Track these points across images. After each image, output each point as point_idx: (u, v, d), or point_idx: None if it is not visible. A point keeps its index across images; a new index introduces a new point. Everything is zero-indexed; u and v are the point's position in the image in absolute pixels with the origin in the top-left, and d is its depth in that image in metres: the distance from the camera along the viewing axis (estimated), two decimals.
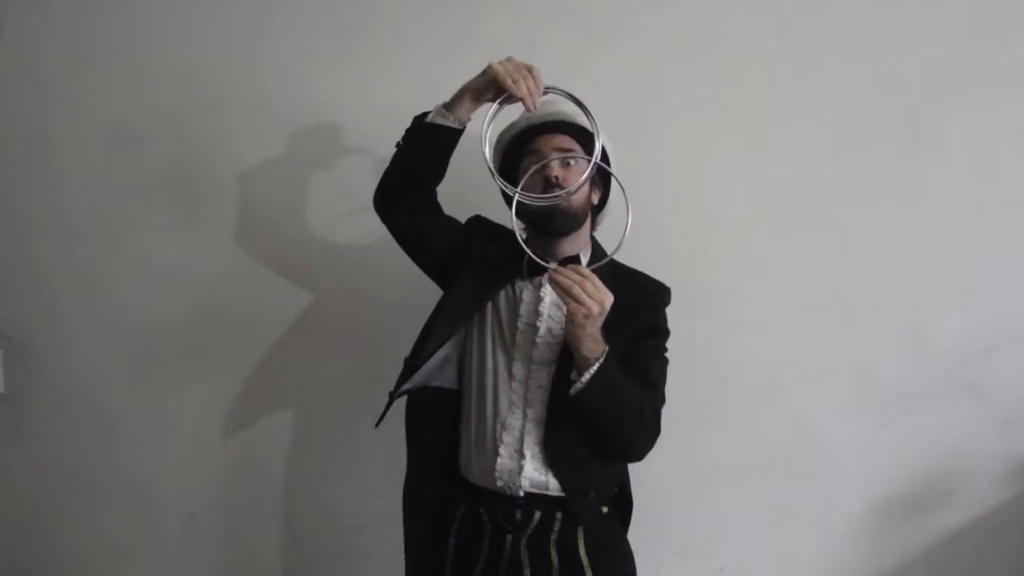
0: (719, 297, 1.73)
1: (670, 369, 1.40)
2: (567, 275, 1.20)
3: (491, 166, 1.29)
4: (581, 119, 1.34)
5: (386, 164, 1.40)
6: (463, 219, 1.48)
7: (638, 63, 1.75)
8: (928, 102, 1.72)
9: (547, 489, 1.34)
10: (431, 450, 1.44)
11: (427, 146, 1.34)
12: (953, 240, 1.72)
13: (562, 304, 1.26)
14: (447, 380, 1.43)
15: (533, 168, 1.34)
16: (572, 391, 1.24)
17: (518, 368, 1.36)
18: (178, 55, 1.83)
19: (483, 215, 1.51)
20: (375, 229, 1.47)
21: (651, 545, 1.54)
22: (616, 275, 1.35)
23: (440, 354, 1.39)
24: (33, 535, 1.92)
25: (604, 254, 1.41)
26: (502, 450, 1.34)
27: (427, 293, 1.47)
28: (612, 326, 1.24)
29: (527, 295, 1.38)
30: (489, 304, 1.40)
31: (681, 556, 1.78)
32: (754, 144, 1.74)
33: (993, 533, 1.74)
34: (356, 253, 1.79)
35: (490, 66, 1.27)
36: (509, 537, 1.34)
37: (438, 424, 1.43)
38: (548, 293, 1.36)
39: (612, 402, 1.25)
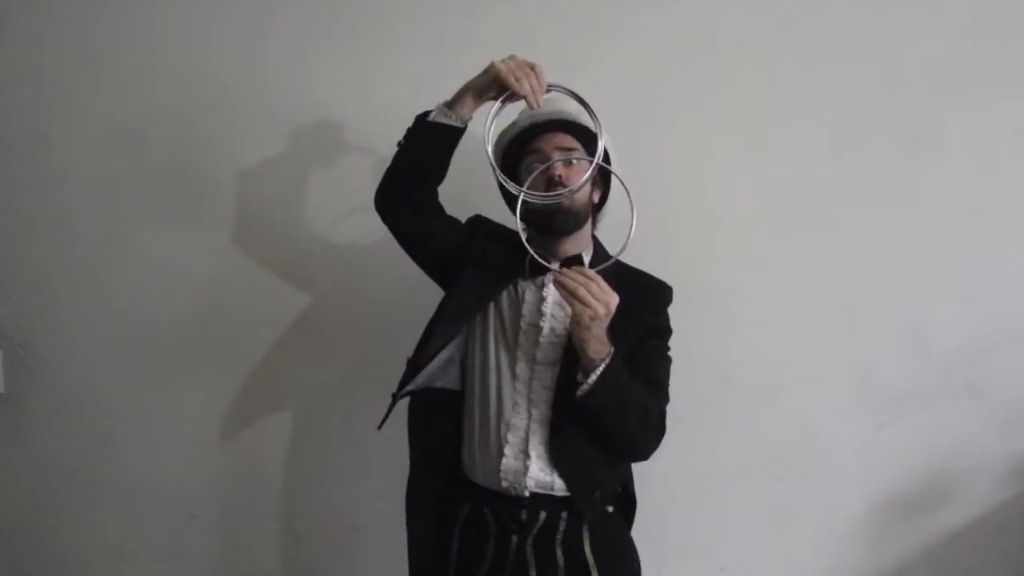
0: (719, 297, 1.73)
1: (671, 369, 1.40)
2: (572, 277, 1.20)
3: (494, 165, 1.28)
4: (583, 118, 1.34)
5: (387, 164, 1.40)
6: (464, 219, 1.48)
7: (638, 63, 1.75)
8: (928, 102, 1.72)
9: (552, 489, 1.33)
10: (434, 451, 1.43)
11: (429, 145, 1.34)
12: (953, 240, 1.72)
13: (565, 303, 1.25)
14: (450, 381, 1.43)
15: (538, 168, 1.33)
16: (579, 393, 1.24)
17: (522, 368, 1.36)
18: (178, 55, 1.82)
19: (483, 215, 1.50)
20: (375, 229, 1.47)
21: (653, 544, 1.53)
22: (620, 275, 1.34)
23: (443, 355, 1.39)
24: (33, 535, 1.91)
25: (606, 253, 1.41)
26: (507, 450, 1.34)
27: (427, 294, 1.47)
28: (617, 326, 1.24)
29: (530, 295, 1.38)
30: (491, 304, 1.40)
31: (683, 555, 1.78)
32: (754, 144, 1.74)
33: (993, 533, 1.75)
34: (356, 253, 1.79)
35: (492, 64, 1.27)
36: (514, 537, 1.33)
37: (441, 425, 1.43)
38: (551, 292, 1.36)
39: (618, 403, 1.25)
